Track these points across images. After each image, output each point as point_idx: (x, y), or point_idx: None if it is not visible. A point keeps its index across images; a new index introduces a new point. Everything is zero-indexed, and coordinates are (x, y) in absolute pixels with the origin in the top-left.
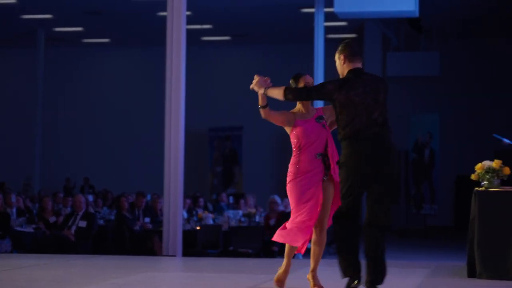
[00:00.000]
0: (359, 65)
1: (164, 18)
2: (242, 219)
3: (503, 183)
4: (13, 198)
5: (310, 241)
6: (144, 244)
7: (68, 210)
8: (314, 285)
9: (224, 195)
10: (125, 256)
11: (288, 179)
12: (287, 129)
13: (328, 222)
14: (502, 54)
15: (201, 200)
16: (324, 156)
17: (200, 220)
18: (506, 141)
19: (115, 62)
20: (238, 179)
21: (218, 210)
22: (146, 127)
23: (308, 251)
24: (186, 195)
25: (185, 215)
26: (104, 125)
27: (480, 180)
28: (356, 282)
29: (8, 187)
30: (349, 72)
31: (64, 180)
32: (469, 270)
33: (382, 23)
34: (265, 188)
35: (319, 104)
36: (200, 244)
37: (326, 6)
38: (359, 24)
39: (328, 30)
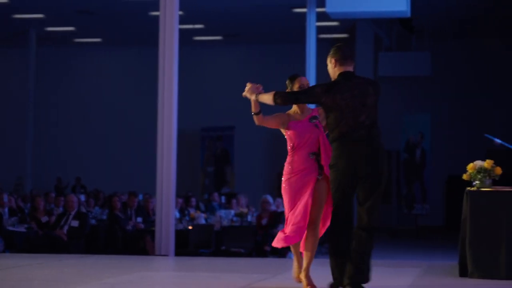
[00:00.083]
0: (350, 68)
1: (156, 18)
2: (234, 218)
3: (494, 183)
4: (5, 198)
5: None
6: (137, 243)
7: (60, 210)
8: (307, 284)
9: (216, 195)
10: (117, 256)
11: (283, 178)
12: (282, 131)
13: (321, 221)
14: (494, 54)
15: (193, 200)
16: (318, 155)
17: (192, 219)
18: (498, 141)
19: (107, 62)
20: (230, 179)
21: (210, 209)
22: (138, 127)
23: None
24: (178, 195)
25: (177, 215)
26: (96, 125)
27: (472, 180)
28: (338, 284)
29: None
30: (339, 75)
31: (56, 180)
32: (461, 269)
33: (374, 23)
34: (257, 188)
35: None
36: (193, 244)
37: (318, 6)
38: (351, 24)
39: (320, 30)
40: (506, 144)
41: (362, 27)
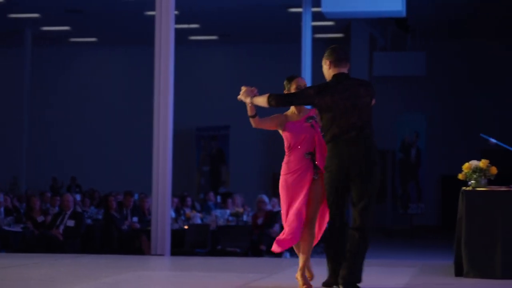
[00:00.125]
0: (344, 70)
1: (151, 18)
2: (230, 218)
3: (490, 182)
4: (1, 197)
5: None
6: (132, 243)
7: (56, 209)
8: (303, 284)
9: (211, 195)
10: (113, 256)
11: (280, 178)
12: (280, 131)
13: (317, 223)
14: (489, 53)
15: (189, 200)
16: (313, 155)
17: (188, 219)
18: (493, 140)
19: (103, 61)
20: (225, 178)
21: (205, 209)
22: (134, 127)
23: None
24: (173, 195)
25: (173, 214)
26: (92, 124)
27: (467, 180)
28: (333, 283)
29: None
30: (333, 77)
31: (51, 180)
32: (457, 269)
33: (369, 23)
34: (253, 188)
35: None
36: (188, 243)
37: (313, 6)
38: (346, 24)
39: (315, 29)
40: (502, 144)
41: (357, 27)
